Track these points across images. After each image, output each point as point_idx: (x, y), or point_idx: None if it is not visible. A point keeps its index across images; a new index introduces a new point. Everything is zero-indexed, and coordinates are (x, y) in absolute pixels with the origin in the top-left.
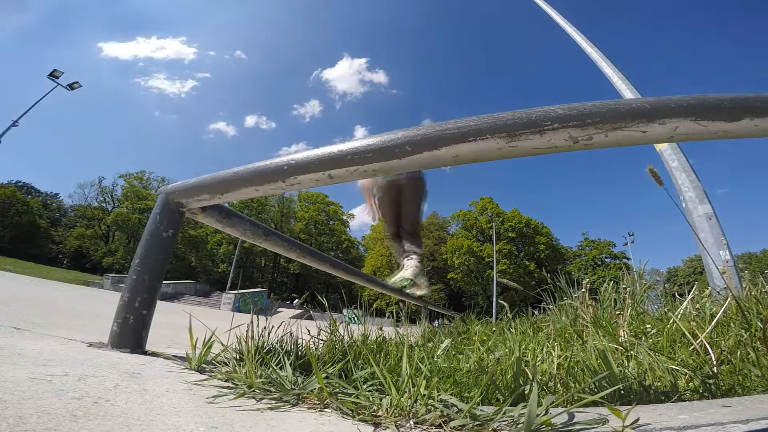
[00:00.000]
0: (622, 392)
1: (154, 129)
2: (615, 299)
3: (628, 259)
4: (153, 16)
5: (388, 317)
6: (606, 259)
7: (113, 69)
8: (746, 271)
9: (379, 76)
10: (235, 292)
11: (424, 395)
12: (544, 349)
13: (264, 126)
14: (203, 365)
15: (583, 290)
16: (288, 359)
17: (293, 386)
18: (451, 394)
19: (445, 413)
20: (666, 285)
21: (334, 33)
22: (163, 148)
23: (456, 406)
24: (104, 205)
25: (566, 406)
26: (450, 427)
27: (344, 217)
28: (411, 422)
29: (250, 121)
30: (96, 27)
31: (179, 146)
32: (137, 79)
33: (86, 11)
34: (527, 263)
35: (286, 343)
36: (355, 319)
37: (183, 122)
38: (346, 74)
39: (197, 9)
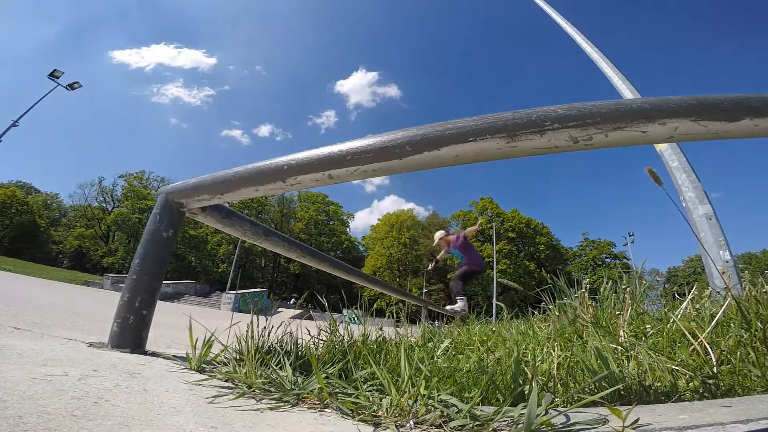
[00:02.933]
0: (622, 392)
1: (164, 133)
2: (615, 299)
3: (628, 259)
4: (177, 26)
5: (389, 317)
6: (606, 259)
7: (123, 72)
8: (746, 272)
9: (392, 90)
10: (235, 292)
11: (424, 395)
12: (544, 350)
13: (279, 138)
14: (203, 365)
15: (582, 290)
16: (288, 359)
17: (293, 386)
18: (451, 395)
19: (445, 413)
20: (666, 285)
21: (352, 46)
22: (174, 153)
23: (456, 407)
24: (104, 205)
25: (566, 407)
26: (450, 427)
27: (344, 218)
28: (411, 422)
29: (264, 130)
30: (112, 34)
31: (190, 151)
32: (150, 85)
33: (105, 18)
34: (527, 263)
35: (286, 343)
36: (355, 319)
37: (194, 128)
38: (359, 86)
39: (221, 23)
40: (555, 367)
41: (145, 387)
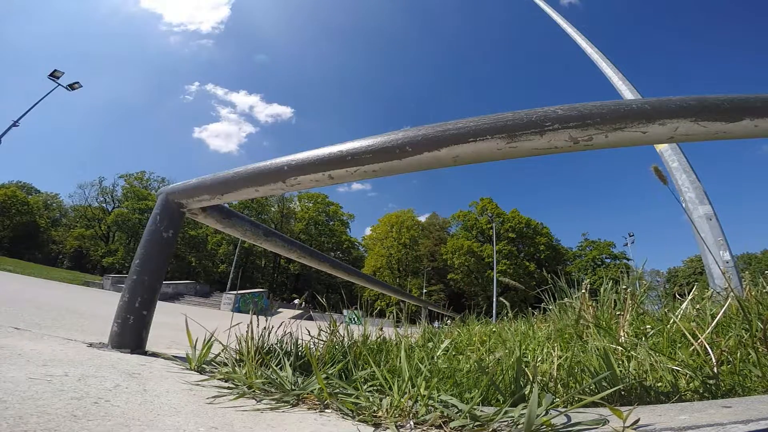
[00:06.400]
0: (623, 393)
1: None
2: (615, 300)
3: (629, 259)
4: None
5: (389, 318)
6: (606, 260)
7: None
8: (746, 272)
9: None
10: (235, 292)
11: (424, 396)
12: (545, 350)
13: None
14: (203, 366)
15: (583, 291)
16: (288, 360)
17: (293, 387)
18: (451, 395)
19: (445, 414)
20: (666, 285)
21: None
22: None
23: (456, 407)
24: (104, 205)
25: (566, 407)
26: (450, 428)
27: (344, 218)
28: (411, 422)
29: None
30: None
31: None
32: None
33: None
34: (527, 264)
35: (286, 343)
36: (356, 319)
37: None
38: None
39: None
40: (555, 368)
41: (145, 387)
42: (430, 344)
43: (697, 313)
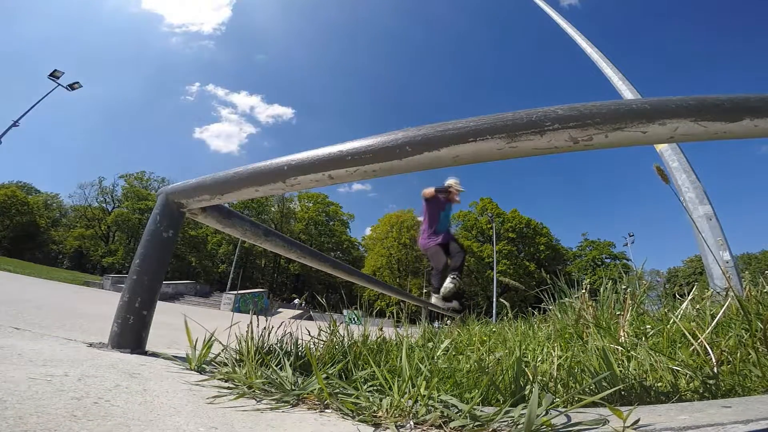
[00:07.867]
0: (623, 393)
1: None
2: (615, 300)
3: (628, 259)
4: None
5: (389, 318)
6: (606, 260)
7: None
8: (746, 272)
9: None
10: (235, 292)
11: (424, 396)
12: (545, 350)
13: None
14: (203, 365)
15: (583, 291)
16: (288, 360)
17: (293, 387)
18: (452, 395)
19: (445, 414)
20: (666, 285)
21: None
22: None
23: (456, 407)
24: (104, 205)
25: (566, 407)
26: (450, 428)
27: (344, 218)
28: (411, 423)
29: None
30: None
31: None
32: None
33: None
34: (527, 264)
35: (286, 343)
36: (355, 319)
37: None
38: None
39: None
40: (555, 368)
41: (145, 387)
42: (430, 344)
43: (697, 313)
